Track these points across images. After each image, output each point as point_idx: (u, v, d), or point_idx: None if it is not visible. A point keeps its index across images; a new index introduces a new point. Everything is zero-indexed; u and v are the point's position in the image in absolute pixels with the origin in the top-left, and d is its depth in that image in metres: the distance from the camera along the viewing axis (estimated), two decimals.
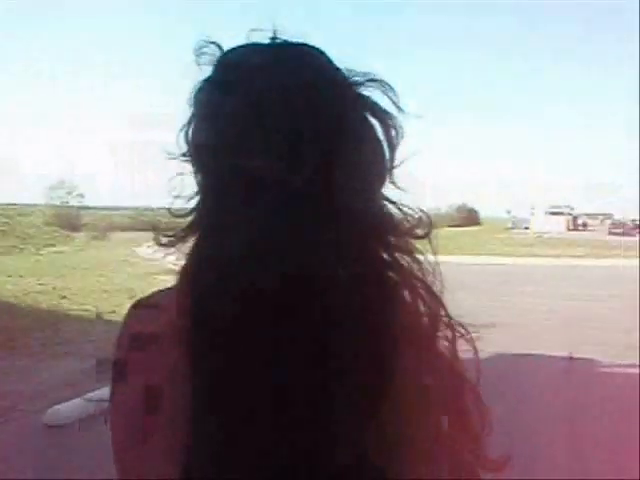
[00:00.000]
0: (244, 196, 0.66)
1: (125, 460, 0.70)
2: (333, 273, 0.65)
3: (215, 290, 0.65)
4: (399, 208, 0.74)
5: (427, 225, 0.74)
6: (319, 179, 0.67)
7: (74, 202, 42.70)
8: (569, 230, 60.52)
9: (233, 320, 0.64)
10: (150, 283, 15.13)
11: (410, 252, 0.72)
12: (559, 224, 60.75)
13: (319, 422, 0.63)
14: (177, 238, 0.75)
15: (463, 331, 0.73)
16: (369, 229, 0.69)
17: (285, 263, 0.64)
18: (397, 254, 0.72)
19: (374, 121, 0.74)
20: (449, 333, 0.72)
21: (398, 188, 0.75)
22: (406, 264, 0.72)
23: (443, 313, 0.72)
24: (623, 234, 47.30)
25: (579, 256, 27.47)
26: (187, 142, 0.74)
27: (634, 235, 46.13)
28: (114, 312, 10.55)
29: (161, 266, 20.12)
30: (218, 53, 0.75)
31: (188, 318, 0.66)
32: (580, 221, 65.61)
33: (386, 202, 0.74)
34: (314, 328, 0.64)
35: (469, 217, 61.81)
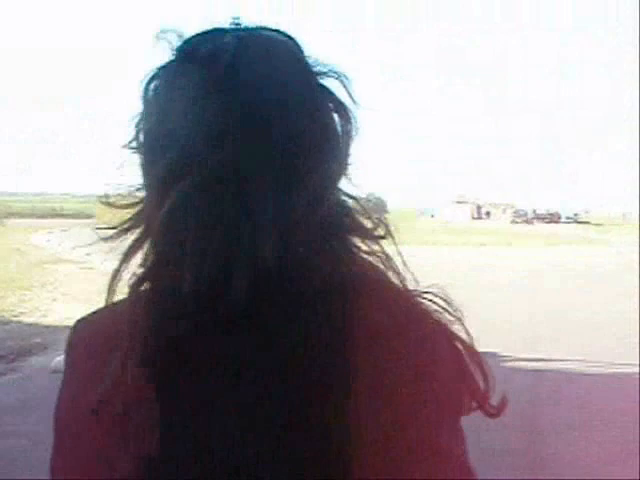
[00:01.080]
0: (196, 193, 0.65)
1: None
2: (293, 276, 0.65)
3: (178, 292, 0.64)
4: (360, 204, 0.73)
5: (385, 225, 0.74)
6: (279, 177, 0.66)
7: None
8: (473, 219, 62.62)
9: (196, 330, 0.64)
10: (38, 274, 14.51)
11: (373, 253, 0.72)
12: (464, 213, 62.71)
13: (293, 439, 0.63)
14: (120, 232, 0.73)
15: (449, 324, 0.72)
16: (323, 227, 0.68)
17: (246, 267, 0.63)
18: (359, 253, 0.72)
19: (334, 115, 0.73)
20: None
21: (352, 184, 0.74)
22: (370, 262, 0.72)
23: (418, 309, 0.72)
24: (526, 222, 49.28)
25: (482, 244, 28.58)
26: (137, 132, 0.72)
27: (533, 224, 48.19)
28: None
29: (53, 255, 19.58)
30: (176, 41, 0.72)
31: (146, 331, 0.65)
32: (484, 210, 67.95)
33: (345, 197, 0.73)
34: (279, 338, 0.64)
35: (376, 206, 62.59)
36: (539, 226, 47.33)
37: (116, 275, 0.71)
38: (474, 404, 0.71)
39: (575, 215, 66.22)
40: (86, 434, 0.67)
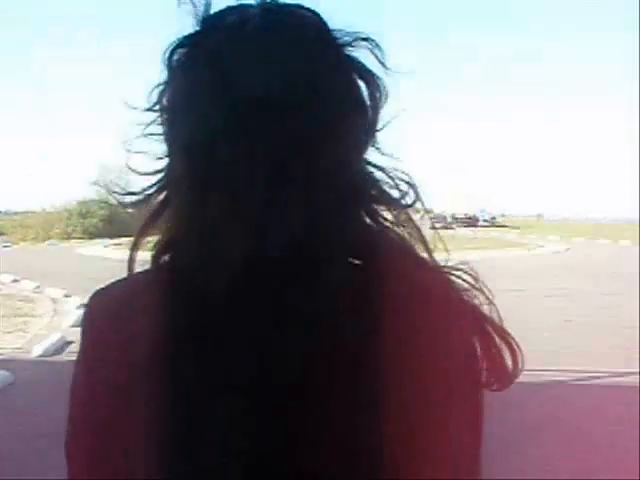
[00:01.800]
0: (214, 163, 0.65)
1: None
2: (319, 243, 0.65)
3: (207, 261, 0.64)
4: (388, 175, 0.72)
5: (414, 193, 0.73)
6: (291, 145, 0.65)
7: None
8: None
9: (228, 293, 0.63)
10: None
11: (400, 223, 0.72)
12: None
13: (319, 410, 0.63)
14: (142, 199, 0.73)
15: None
16: (348, 196, 0.68)
17: (279, 235, 0.63)
18: (383, 222, 0.71)
19: (360, 83, 0.72)
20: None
21: (382, 154, 0.74)
22: (395, 234, 0.71)
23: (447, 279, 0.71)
24: (445, 227, 50.33)
25: None
26: (159, 101, 0.72)
27: (453, 229, 49.40)
28: None
29: None
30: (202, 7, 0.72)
31: (173, 295, 0.65)
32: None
33: (372, 168, 0.72)
34: (306, 302, 0.63)
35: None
36: (460, 230, 48.37)
37: (136, 245, 0.72)
38: (493, 380, 0.70)
39: (492, 219, 68.20)
40: (104, 405, 0.67)
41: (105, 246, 28.82)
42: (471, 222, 62.10)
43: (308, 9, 0.72)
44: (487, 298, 0.71)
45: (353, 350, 0.63)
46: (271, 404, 0.62)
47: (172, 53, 0.71)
